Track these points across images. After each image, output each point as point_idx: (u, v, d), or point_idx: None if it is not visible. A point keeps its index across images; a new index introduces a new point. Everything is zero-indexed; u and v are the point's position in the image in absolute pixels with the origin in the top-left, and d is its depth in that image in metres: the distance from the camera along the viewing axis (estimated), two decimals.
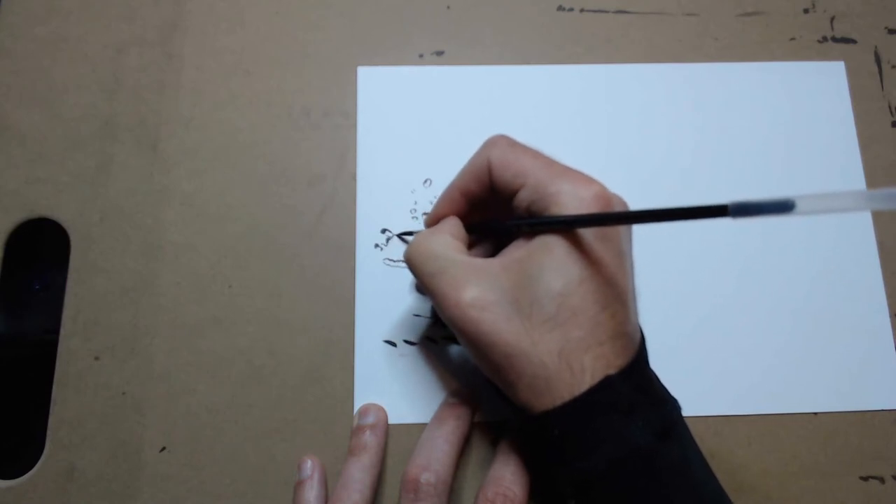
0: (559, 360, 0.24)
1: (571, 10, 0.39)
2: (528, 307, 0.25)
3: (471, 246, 0.30)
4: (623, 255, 0.26)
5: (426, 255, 0.27)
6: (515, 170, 0.27)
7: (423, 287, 0.28)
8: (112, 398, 0.32)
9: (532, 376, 0.24)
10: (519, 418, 0.26)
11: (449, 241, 0.28)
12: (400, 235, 0.35)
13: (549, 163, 0.27)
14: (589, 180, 0.26)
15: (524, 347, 0.24)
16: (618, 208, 0.26)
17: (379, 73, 0.37)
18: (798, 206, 0.18)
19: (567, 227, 0.25)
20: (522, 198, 0.27)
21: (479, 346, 0.25)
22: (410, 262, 0.28)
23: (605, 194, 0.25)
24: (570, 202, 0.25)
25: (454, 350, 0.33)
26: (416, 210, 0.35)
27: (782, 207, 0.18)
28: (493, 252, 0.29)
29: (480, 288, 0.25)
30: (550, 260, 0.25)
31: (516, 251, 0.26)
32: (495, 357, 0.25)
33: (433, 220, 0.30)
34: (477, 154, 0.29)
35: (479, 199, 0.29)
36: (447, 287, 0.26)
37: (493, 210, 0.29)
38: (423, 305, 0.34)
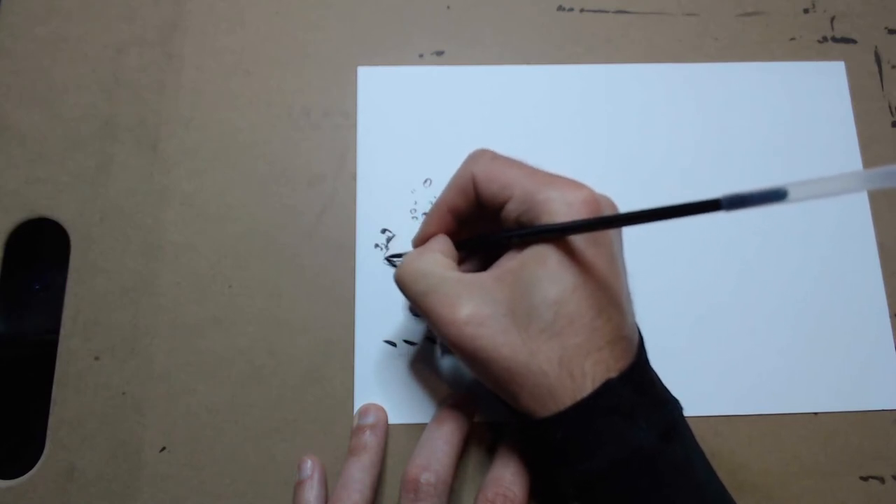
0: (559, 368, 0.24)
1: (571, 10, 0.39)
2: (524, 318, 0.24)
3: (461, 262, 0.30)
4: (615, 259, 0.26)
5: (416, 275, 0.27)
6: (501, 182, 0.27)
7: (416, 308, 0.27)
8: (112, 398, 0.32)
9: (534, 386, 0.24)
10: (521, 423, 0.26)
11: (439, 259, 0.28)
12: (389, 258, 0.34)
13: (534, 172, 0.27)
14: (576, 185, 0.25)
15: (523, 359, 0.24)
16: (607, 211, 0.26)
17: (379, 73, 0.37)
18: (791, 194, 0.18)
19: (558, 234, 0.25)
20: (511, 209, 0.26)
21: (479, 362, 0.25)
22: (401, 284, 0.28)
23: (593, 198, 0.25)
24: (560, 209, 0.25)
25: None
26: (416, 210, 0.35)
27: (775, 196, 0.18)
28: (484, 266, 0.29)
29: (474, 303, 0.25)
30: (543, 269, 0.25)
31: (508, 262, 0.26)
32: (495, 371, 0.25)
33: (421, 240, 0.30)
34: (460, 170, 0.29)
35: (466, 215, 0.29)
36: (440, 306, 0.26)
37: (481, 225, 0.29)
38: None
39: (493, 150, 0.28)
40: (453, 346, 0.26)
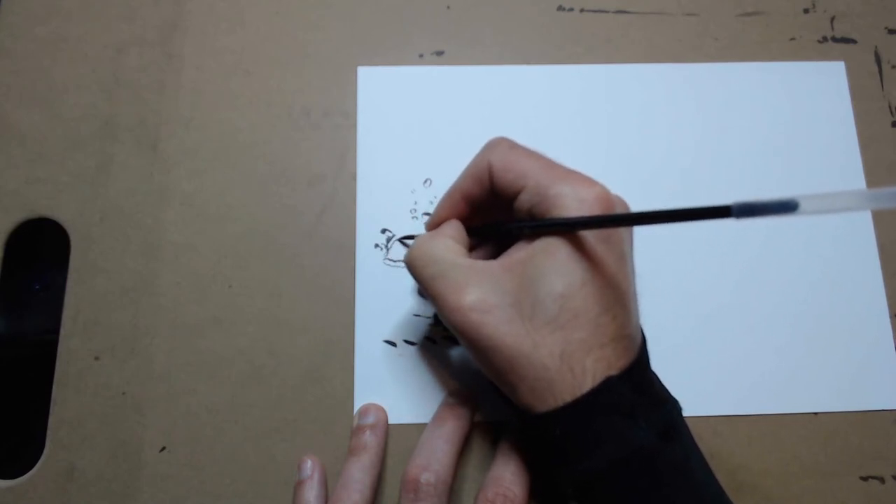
0: (561, 363, 0.24)
1: (571, 10, 0.39)
2: (529, 309, 0.24)
3: (472, 249, 0.30)
4: (625, 258, 0.26)
5: (427, 259, 0.27)
6: (516, 172, 0.27)
7: (423, 291, 0.28)
8: (112, 398, 0.32)
9: (534, 378, 0.24)
10: (520, 419, 0.26)
11: (450, 245, 0.28)
12: (401, 239, 0.35)
13: (551, 165, 0.27)
14: (590, 182, 0.26)
15: (525, 350, 0.24)
16: (619, 210, 0.26)
17: (379, 73, 0.37)
18: (802, 206, 0.18)
19: (569, 229, 0.25)
20: (524, 200, 0.27)
21: (481, 350, 0.25)
22: (411, 266, 0.28)
23: (606, 196, 0.25)
24: (572, 204, 0.25)
25: (454, 350, 0.33)
26: (416, 210, 0.35)
27: (786, 207, 0.18)
28: (495, 255, 0.29)
29: (482, 290, 0.25)
30: (552, 262, 0.25)
31: (518, 253, 0.26)
32: (497, 360, 0.25)
33: (434, 224, 0.30)
34: (478, 156, 0.29)
35: (480, 202, 0.29)
36: (448, 290, 0.26)
37: (494, 213, 0.29)
38: (424, 306, 0.34)
39: (511, 140, 0.28)
40: (457, 332, 0.26)
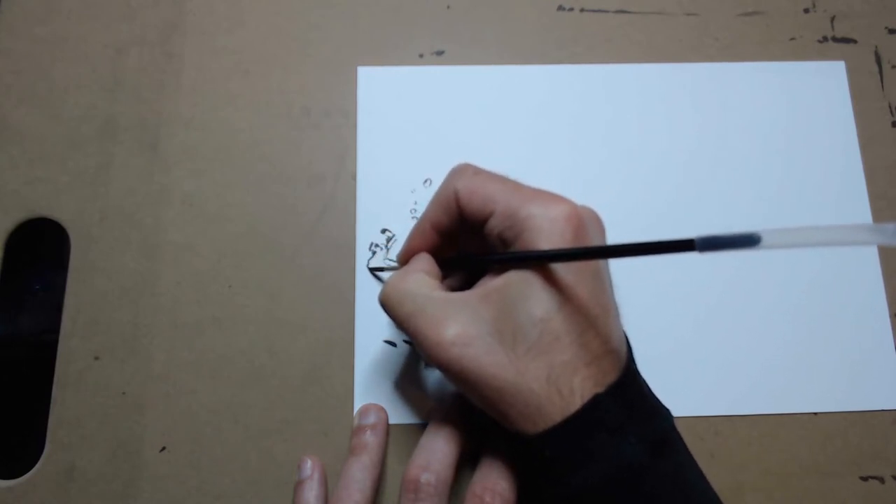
0: (548, 386, 0.24)
1: (571, 10, 0.39)
2: (510, 337, 0.24)
3: (444, 278, 0.30)
4: (600, 273, 0.26)
5: (402, 296, 0.27)
6: (483, 197, 0.27)
7: (402, 330, 0.27)
8: (112, 398, 0.32)
9: (523, 405, 0.24)
10: (510, 441, 0.26)
11: (423, 279, 0.28)
12: (371, 269, 0.34)
13: (517, 186, 0.27)
14: (558, 200, 0.25)
15: (511, 378, 0.24)
16: (590, 225, 0.26)
17: (379, 73, 0.37)
18: (764, 240, 0.19)
19: (537, 261, 0.25)
20: (493, 225, 0.26)
21: (467, 383, 0.25)
22: (386, 305, 0.28)
23: (575, 213, 0.25)
24: (542, 224, 0.25)
25: None
26: (416, 210, 0.35)
27: (748, 241, 0.19)
28: (468, 281, 0.29)
29: (460, 323, 0.25)
30: (529, 287, 0.24)
31: (494, 280, 0.26)
32: (484, 391, 0.25)
33: (406, 255, 0.30)
34: (443, 185, 0.28)
35: (450, 231, 0.29)
36: (427, 326, 0.25)
37: (465, 239, 0.29)
38: None
39: (475, 165, 0.28)
40: (441, 368, 0.25)
